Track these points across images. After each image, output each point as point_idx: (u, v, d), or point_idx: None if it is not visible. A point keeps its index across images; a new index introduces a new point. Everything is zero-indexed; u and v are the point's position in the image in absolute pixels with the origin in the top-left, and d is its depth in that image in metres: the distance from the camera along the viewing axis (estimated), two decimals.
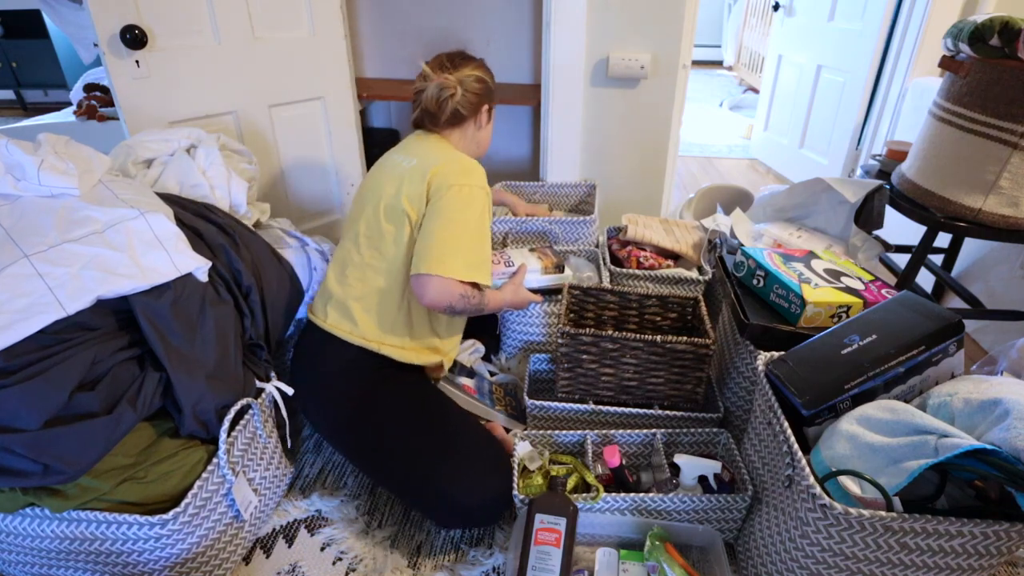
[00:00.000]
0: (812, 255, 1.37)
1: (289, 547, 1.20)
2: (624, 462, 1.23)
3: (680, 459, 1.19)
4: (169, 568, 1.03)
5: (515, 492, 1.14)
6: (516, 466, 1.19)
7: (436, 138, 1.38)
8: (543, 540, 1.03)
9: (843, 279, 1.27)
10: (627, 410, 1.33)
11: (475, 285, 1.28)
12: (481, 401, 1.45)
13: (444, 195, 1.22)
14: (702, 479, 1.18)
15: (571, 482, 1.18)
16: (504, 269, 1.52)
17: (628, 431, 1.28)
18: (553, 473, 1.20)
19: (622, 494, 1.12)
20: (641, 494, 1.12)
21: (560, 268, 1.57)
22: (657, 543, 1.07)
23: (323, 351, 1.29)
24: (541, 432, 1.28)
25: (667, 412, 1.33)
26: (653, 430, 1.28)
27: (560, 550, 1.02)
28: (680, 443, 1.29)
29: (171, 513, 0.97)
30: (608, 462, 1.19)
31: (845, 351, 1.02)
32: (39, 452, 0.89)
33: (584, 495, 1.13)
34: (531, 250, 1.62)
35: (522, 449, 1.23)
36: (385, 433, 1.21)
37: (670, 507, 1.13)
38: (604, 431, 1.29)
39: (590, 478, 1.18)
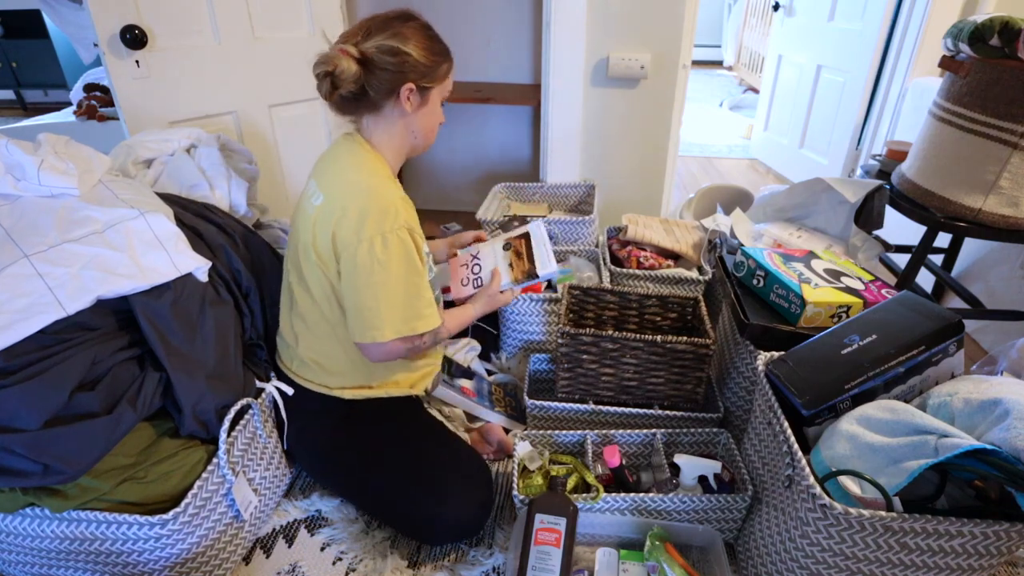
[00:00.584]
0: (812, 255, 1.36)
1: (289, 547, 1.20)
2: (624, 462, 1.23)
3: (680, 459, 1.19)
4: (169, 568, 1.03)
5: (515, 492, 1.14)
6: (516, 466, 1.19)
7: (353, 142, 1.14)
8: (543, 540, 1.03)
9: (843, 279, 1.27)
10: (627, 410, 1.33)
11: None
12: (480, 403, 1.45)
13: (355, 253, 1.04)
14: (702, 479, 1.18)
15: (571, 482, 1.18)
16: (470, 275, 1.39)
17: (628, 431, 1.28)
18: (553, 473, 1.20)
19: (622, 494, 1.12)
20: (641, 494, 1.12)
21: (533, 275, 1.34)
22: (657, 543, 1.07)
23: (295, 394, 1.24)
24: (541, 432, 1.28)
25: (667, 412, 1.33)
26: (653, 430, 1.28)
27: (560, 550, 1.02)
28: (680, 443, 1.29)
29: (171, 513, 0.97)
30: (608, 462, 1.19)
31: (845, 351, 1.02)
32: (39, 452, 0.89)
33: (584, 495, 1.13)
34: (505, 247, 1.42)
35: (522, 449, 1.23)
36: (358, 466, 1.20)
37: (670, 507, 1.13)
38: (604, 431, 1.29)
39: (590, 478, 1.18)
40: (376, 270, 1.05)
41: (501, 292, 1.33)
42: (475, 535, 1.21)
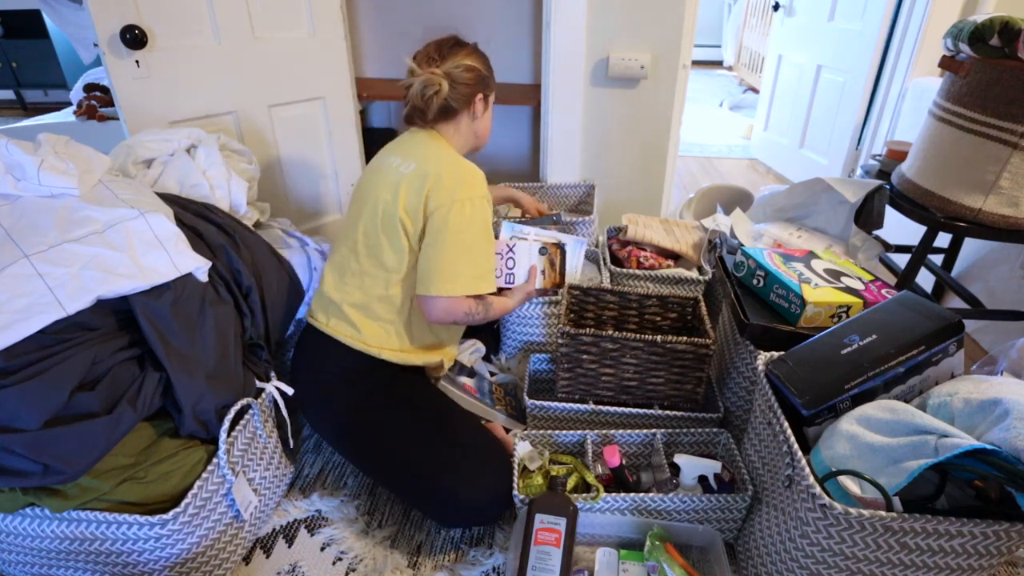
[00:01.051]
0: (812, 255, 1.36)
1: (289, 547, 1.20)
2: (624, 462, 1.23)
3: (680, 459, 1.19)
4: (169, 568, 1.03)
5: (515, 492, 1.14)
6: (516, 466, 1.19)
7: (430, 135, 1.32)
8: (543, 540, 1.03)
9: (843, 279, 1.27)
10: (627, 410, 1.33)
11: (479, 297, 1.27)
12: (482, 401, 1.45)
13: (447, 213, 1.19)
14: (702, 479, 1.18)
15: (571, 482, 1.18)
16: (504, 268, 1.44)
17: (628, 431, 1.28)
18: (553, 473, 1.20)
19: (622, 494, 1.12)
20: (641, 494, 1.12)
21: (557, 287, 1.44)
22: (657, 543, 1.07)
23: (323, 354, 1.29)
24: (541, 432, 1.28)
25: (667, 412, 1.33)
26: (653, 430, 1.28)
27: (560, 550, 1.02)
28: (680, 443, 1.29)
29: (171, 513, 0.97)
30: (608, 462, 1.19)
31: (845, 351, 1.02)
32: (39, 452, 0.89)
33: (584, 495, 1.13)
34: (542, 251, 1.46)
35: (522, 449, 1.23)
36: (385, 434, 1.21)
37: (670, 507, 1.13)
38: (604, 431, 1.29)
39: (590, 478, 1.18)
40: (464, 229, 1.20)
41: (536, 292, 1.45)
42: (486, 523, 1.22)
